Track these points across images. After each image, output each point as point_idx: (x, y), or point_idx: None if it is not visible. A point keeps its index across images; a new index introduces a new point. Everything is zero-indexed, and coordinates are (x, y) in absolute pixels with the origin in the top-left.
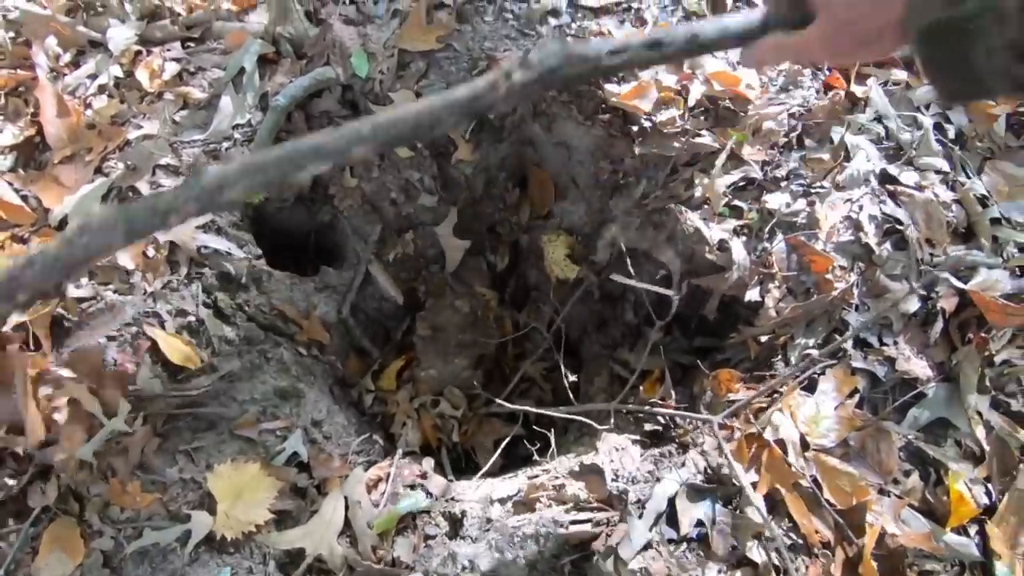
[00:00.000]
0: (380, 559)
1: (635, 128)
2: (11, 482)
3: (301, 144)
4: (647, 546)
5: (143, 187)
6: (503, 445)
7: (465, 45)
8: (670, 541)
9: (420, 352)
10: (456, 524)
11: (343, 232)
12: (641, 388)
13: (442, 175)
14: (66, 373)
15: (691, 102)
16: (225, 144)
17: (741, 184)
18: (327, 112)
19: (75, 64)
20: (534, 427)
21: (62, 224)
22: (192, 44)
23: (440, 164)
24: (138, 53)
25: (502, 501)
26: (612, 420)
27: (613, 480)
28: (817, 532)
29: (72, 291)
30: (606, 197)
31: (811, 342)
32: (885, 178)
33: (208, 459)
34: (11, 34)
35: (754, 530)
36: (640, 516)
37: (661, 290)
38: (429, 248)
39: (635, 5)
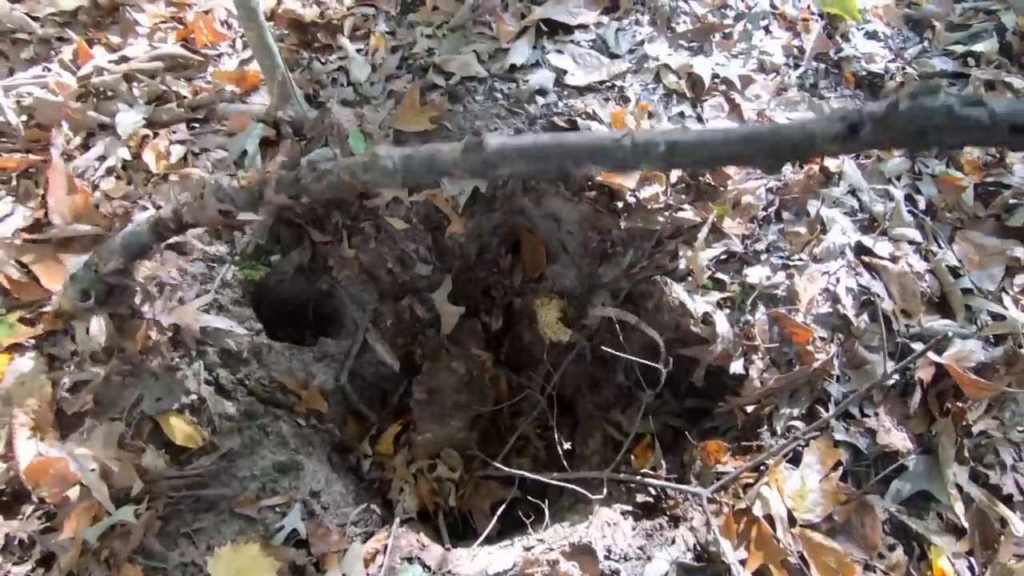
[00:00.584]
0: None
1: (620, 204)
2: (15, 569)
3: (580, 140)
4: None
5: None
6: (499, 511)
7: (457, 124)
8: None
9: (416, 416)
10: None
11: (341, 300)
12: (633, 456)
13: (436, 245)
14: (82, 451)
15: (673, 179)
16: None
17: (723, 257)
18: None
19: (85, 147)
20: (530, 490)
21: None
22: (197, 125)
23: (434, 236)
24: (145, 136)
25: (499, 575)
26: (605, 488)
27: (605, 558)
28: None
29: (77, 374)
30: (595, 264)
31: (795, 412)
32: (861, 249)
33: (209, 540)
34: (24, 118)
35: None
36: None
37: (649, 363)
38: (425, 313)
39: (619, 83)
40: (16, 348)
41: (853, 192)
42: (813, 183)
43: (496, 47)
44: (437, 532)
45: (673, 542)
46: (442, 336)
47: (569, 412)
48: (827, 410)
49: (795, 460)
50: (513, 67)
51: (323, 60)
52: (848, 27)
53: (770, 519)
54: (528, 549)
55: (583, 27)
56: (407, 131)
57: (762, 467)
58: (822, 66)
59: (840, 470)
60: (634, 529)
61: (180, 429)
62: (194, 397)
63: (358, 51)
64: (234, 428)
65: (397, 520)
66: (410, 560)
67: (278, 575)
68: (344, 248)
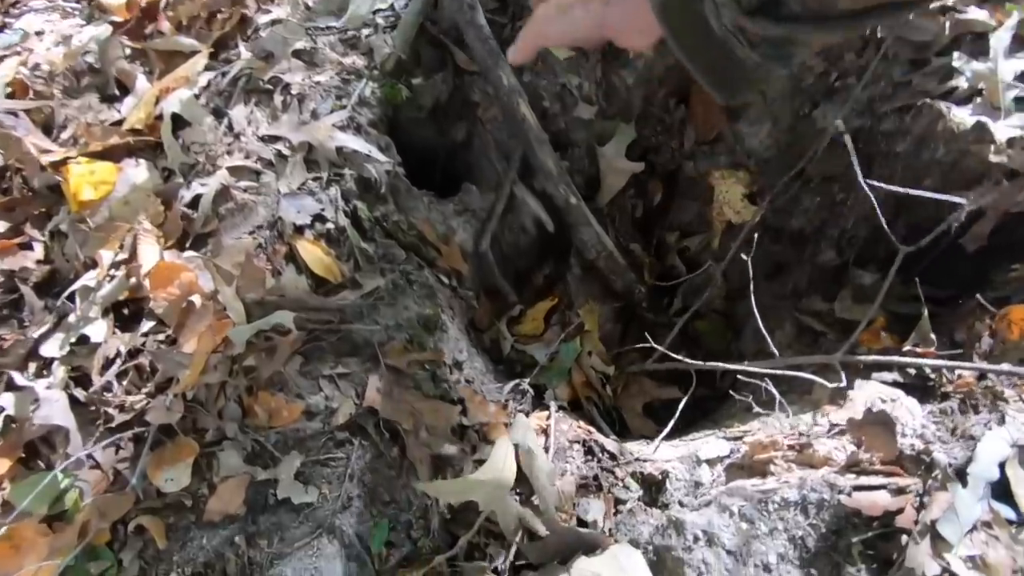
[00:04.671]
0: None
1: None
2: (130, 398)
3: None
4: (973, 527)
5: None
6: (681, 405)
7: None
8: (1009, 523)
9: (573, 292)
10: (654, 488)
11: (480, 152)
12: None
13: (606, 82)
14: (212, 265)
15: None
16: (365, 31)
17: None
18: None
19: None
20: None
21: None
22: None
23: (605, 69)
24: None
25: (711, 463)
26: (842, 376)
27: (902, 437)
28: None
29: (197, 188)
30: (806, 106)
31: None
32: None
33: (356, 388)
34: None
35: None
36: (964, 485)
37: (949, 198)
38: (576, 173)
39: None
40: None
41: None
42: None
43: None
44: (592, 424)
45: (1002, 423)
46: (600, 205)
47: (727, 313)
48: None
49: None
50: None
51: None
52: None
53: None
54: (735, 439)
55: None
56: None
57: None
58: None
59: None
60: (921, 411)
61: (318, 258)
62: (331, 226)
63: None
64: (376, 269)
65: (554, 404)
66: (582, 444)
67: (438, 434)
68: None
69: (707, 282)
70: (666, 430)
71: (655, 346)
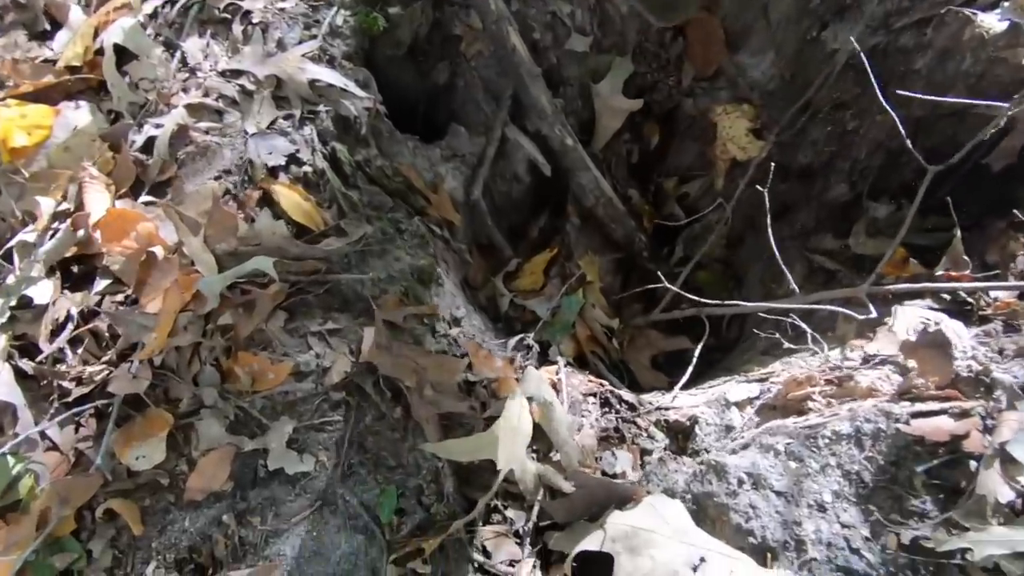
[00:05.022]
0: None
1: None
2: (89, 368)
3: None
4: None
5: (240, 2)
6: (697, 352)
7: None
8: None
9: (573, 243)
10: (681, 436)
11: (465, 94)
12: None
13: (600, 9)
14: (174, 212)
15: None
16: None
17: None
18: None
19: None
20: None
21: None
22: None
23: None
24: None
25: (741, 405)
26: (871, 307)
27: (956, 360)
28: None
29: (150, 129)
30: (812, 31)
31: None
32: None
33: (348, 343)
34: None
35: None
36: None
37: (991, 103)
38: (570, 115)
39: None
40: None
41: None
42: None
43: None
44: (602, 378)
45: None
46: (595, 150)
47: (726, 262)
48: None
49: None
50: None
51: None
52: None
53: None
54: (762, 380)
55: None
56: None
57: None
58: None
59: None
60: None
61: (296, 203)
62: (308, 169)
63: None
64: (362, 217)
65: (561, 359)
66: (596, 396)
67: (445, 391)
68: (473, 16)
69: (708, 229)
70: (685, 376)
71: (668, 286)
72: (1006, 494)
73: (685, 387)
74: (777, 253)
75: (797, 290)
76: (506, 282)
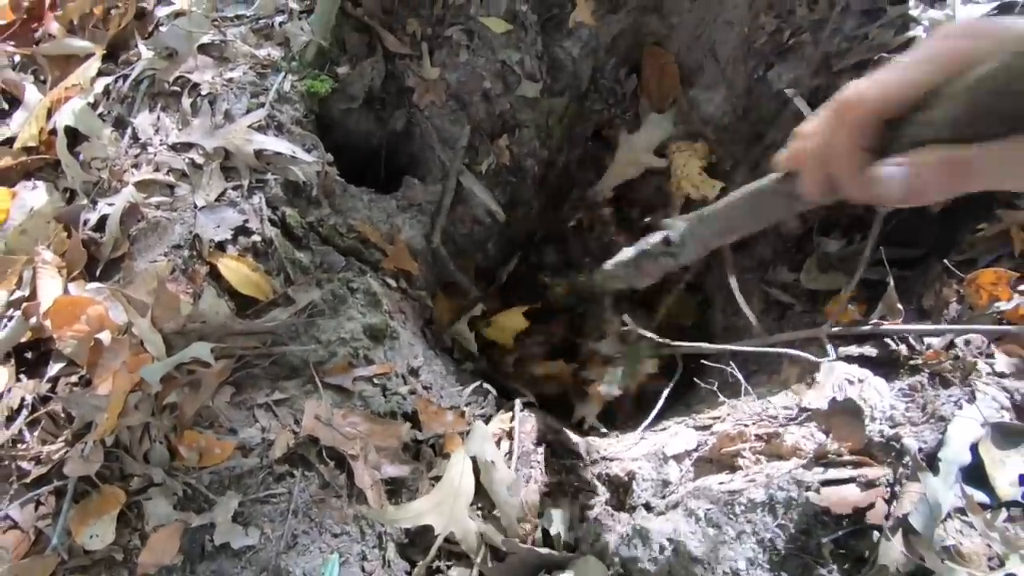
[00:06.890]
0: (528, 538)
1: None
2: (46, 448)
3: None
4: (947, 515)
5: (189, 75)
6: (665, 394)
7: None
8: (983, 508)
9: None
10: (621, 490)
11: (422, 141)
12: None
13: (548, 56)
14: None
15: None
16: (279, 18)
17: (992, 13)
18: None
19: None
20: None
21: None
22: None
23: (546, 41)
24: None
25: (679, 458)
26: (830, 348)
27: (871, 421)
28: None
29: (103, 208)
30: (760, 67)
31: None
32: None
33: (294, 414)
34: None
35: None
36: (936, 472)
37: None
38: (527, 157)
39: None
40: (15, 179)
41: None
42: None
43: None
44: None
45: (971, 400)
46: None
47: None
48: None
49: None
50: None
51: None
52: None
53: None
54: (705, 429)
55: None
56: None
57: None
58: None
59: None
60: (890, 390)
61: (244, 275)
62: (257, 239)
63: None
64: (312, 281)
65: (519, 402)
66: (548, 445)
67: (389, 456)
68: (426, 66)
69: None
70: (649, 418)
71: (653, 336)
72: (907, 565)
73: (651, 424)
74: (737, 292)
75: (756, 323)
76: (474, 326)
